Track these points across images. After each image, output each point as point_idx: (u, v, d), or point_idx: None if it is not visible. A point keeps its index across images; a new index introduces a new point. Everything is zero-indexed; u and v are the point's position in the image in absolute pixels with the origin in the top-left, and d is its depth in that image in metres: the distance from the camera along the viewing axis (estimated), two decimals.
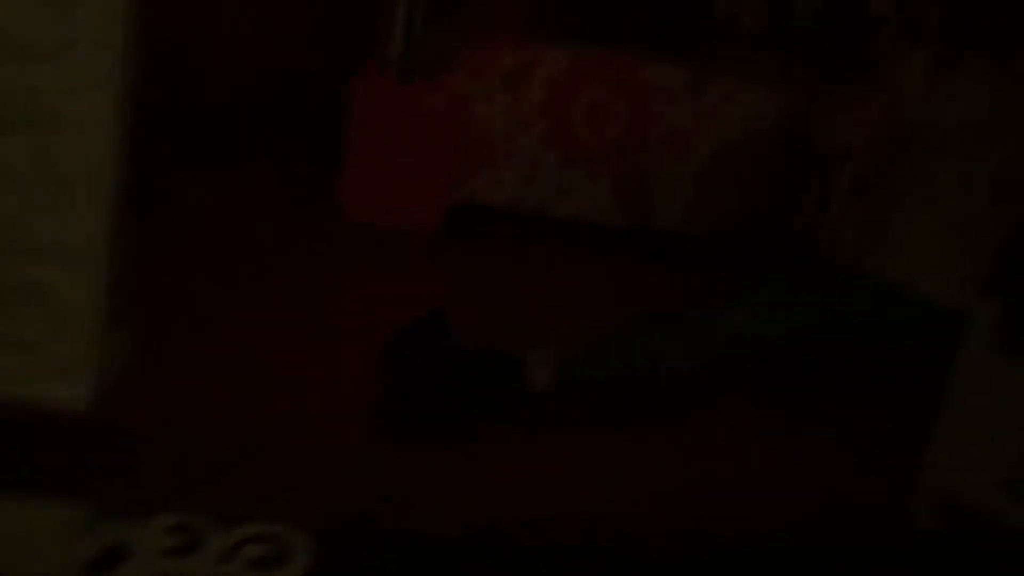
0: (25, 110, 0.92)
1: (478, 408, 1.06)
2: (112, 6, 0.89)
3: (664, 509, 1.03)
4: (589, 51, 1.54)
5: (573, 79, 1.54)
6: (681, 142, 1.52)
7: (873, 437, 1.13)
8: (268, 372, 1.14)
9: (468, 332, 1.11)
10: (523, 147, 1.55)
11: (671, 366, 1.12)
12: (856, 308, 1.18)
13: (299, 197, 1.57)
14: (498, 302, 1.35)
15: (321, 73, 1.61)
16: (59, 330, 0.96)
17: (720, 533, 1.01)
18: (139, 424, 1.02)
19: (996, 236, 1.12)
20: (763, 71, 1.52)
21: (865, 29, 1.49)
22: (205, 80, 1.70)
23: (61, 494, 0.91)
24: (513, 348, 1.11)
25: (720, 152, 1.51)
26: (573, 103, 1.54)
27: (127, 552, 0.89)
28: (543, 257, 1.51)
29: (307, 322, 1.25)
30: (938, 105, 1.22)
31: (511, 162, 1.55)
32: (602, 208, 1.56)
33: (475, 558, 0.97)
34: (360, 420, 1.07)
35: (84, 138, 0.91)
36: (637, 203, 1.55)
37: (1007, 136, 1.18)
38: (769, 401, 1.18)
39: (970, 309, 0.97)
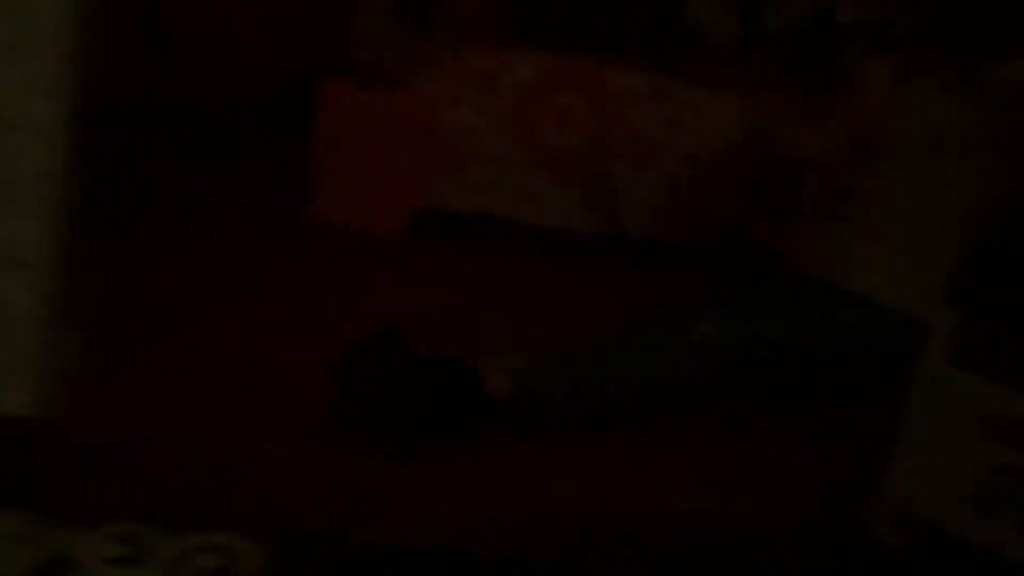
0: None
1: (435, 419, 1.05)
2: (62, 15, 0.87)
3: (622, 521, 1.02)
4: (558, 58, 1.54)
5: (542, 85, 1.53)
6: (649, 149, 1.52)
7: (841, 449, 1.12)
8: (227, 379, 1.12)
9: (431, 338, 1.10)
10: (492, 153, 1.54)
11: (636, 376, 1.11)
12: (824, 316, 1.17)
13: (271, 199, 1.56)
14: (463, 307, 1.33)
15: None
16: (2, 336, 0.94)
17: (679, 545, 1.00)
18: (87, 432, 1.00)
19: (958, 248, 1.12)
20: (731, 80, 1.52)
21: (833, 40, 1.49)
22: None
23: (3, 502, 0.90)
24: (475, 356, 1.09)
25: (688, 160, 1.51)
26: (542, 109, 1.54)
27: (72, 562, 0.87)
28: (510, 262, 1.50)
29: (268, 328, 1.24)
30: (902, 117, 1.21)
31: (480, 167, 1.55)
32: (570, 214, 1.55)
33: (430, 569, 0.96)
34: (317, 430, 1.06)
35: (31, 145, 0.90)
36: (605, 210, 1.54)
37: (970, 148, 1.17)
38: (733, 411, 1.17)
39: (930, 321, 0.96)
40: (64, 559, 0.88)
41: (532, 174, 1.54)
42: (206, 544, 0.92)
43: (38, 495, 0.92)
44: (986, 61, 1.20)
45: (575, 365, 1.11)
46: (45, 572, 0.88)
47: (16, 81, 0.88)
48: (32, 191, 0.90)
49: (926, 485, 0.96)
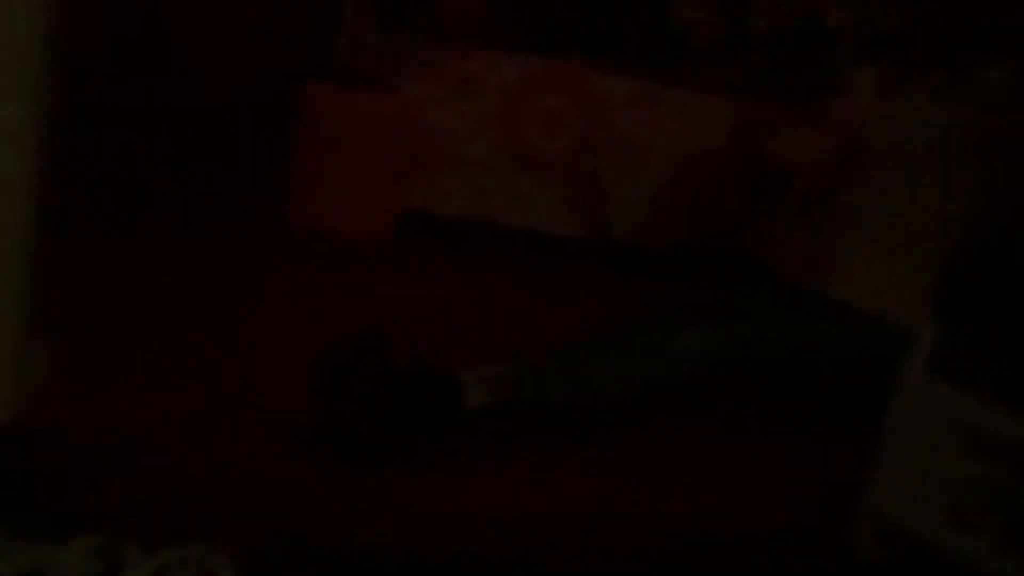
0: None
1: (413, 430, 1.04)
2: (29, 21, 0.86)
3: (599, 536, 1.01)
4: (543, 59, 1.53)
5: (526, 88, 1.53)
6: (635, 153, 1.51)
7: (822, 462, 1.12)
8: (202, 388, 1.11)
9: (414, 342, 1.09)
10: (476, 156, 1.53)
11: (617, 386, 1.11)
12: (811, 326, 1.17)
13: (250, 204, 1.56)
14: (447, 312, 1.33)
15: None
16: None
17: (656, 560, 1.00)
18: (57, 441, 0.99)
19: (943, 257, 1.12)
20: (718, 83, 1.51)
21: (821, 43, 1.49)
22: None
23: None
24: (457, 363, 1.09)
25: (674, 163, 1.50)
26: (526, 112, 1.53)
27: None
28: (494, 268, 1.49)
29: (244, 335, 1.23)
30: (888, 123, 1.22)
31: (463, 171, 1.54)
32: (556, 219, 1.55)
33: None
34: (293, 440, 1.05)
35: None
36: (591, 214, 1.54)
37: (956, 156, 1.17)
38: (715, 423, 1.16)
39: (913, 331, 0.96)
40: (34, 575, 0.87)
41: (517, 177, 1.54)
42: (181, 558, 0.91)
43: (5, 507, 0.91)
44: (974, 66, 1.20)
45: (556, 375, 1.11)
46: None
47: None
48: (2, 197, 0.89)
49: (905, 498, 0.95)
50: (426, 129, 1.52)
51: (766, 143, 1.35)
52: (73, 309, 1.14)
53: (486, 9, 1.59)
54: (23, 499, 0.93)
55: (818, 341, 1.16)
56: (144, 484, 0.97)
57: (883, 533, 0.96)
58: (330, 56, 1.52)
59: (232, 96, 1.68)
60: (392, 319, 1.21)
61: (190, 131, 1.63)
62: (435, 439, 1.05)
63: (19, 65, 0.86)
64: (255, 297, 1.33)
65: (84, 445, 1.00)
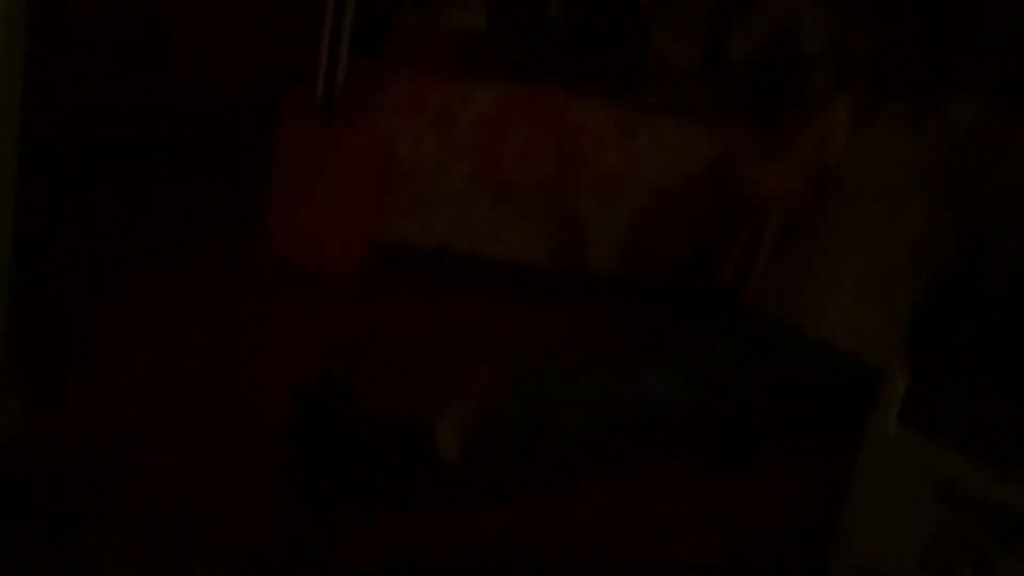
0: None
1: (386, 480, 1.04)
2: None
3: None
4: (518, 90, 1.52)
5: (502, 118, 1.52)
6: (612, 184, 1.51)
7: (791, 503, 1.12)
8: (175, 418, 1.12)
9: (390, 375, 1.09)
10: (453, 188, 1.53)
11: (584, 431, 1.10)
12: (780, 362, 1.15)
13: (230, 233, 1.54)
14: (419, 347, 1.32)
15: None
16: None
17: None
18: (38, 465, 1.00)
19: (914, 295, 1.12)
20: (695, 112, 1.51)
21: (797, 72, 1.48)
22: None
23: None
24: (425, 407, 1.08)
25: (651, 195, 1.50)
26: (503, 143, 1.52)
27: None
28: (470, 300, 1.48)
29: (219, 367, 1.23)
30: (861, 156, 1.20)
31: (441, 203, 1.53)
32: (533, 250, 1.54)
33: None
34: (265, 475, 1.05)
35: None
36: (568, 246, 1.54)
37: (928, 190, 1.16)
38: (681, 465, 1.17)
39: (885, 371, 0.96)
40: None
41: (493, 208, 1.53)
42: None
43: None
44: (943, 100, 1.18)
45: (524, 419, 1.09)
46: None
47: None
48: None
49: (878, 544, 0.95)
50: (403, 162, 1.51)
51: (741, 175, 1.34)
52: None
53: (461, 41, 1.58)
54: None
55: (786, 380, 1.14)
56: (121, 508, 0.97)
57: (858, 573, 0.98)
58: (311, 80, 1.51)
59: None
60: (369, 349, 1.22)
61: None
62: (408, 485, 1.05)
63: None
64: (228, 332, 1.32)
65: (64, 471, 1.00)
